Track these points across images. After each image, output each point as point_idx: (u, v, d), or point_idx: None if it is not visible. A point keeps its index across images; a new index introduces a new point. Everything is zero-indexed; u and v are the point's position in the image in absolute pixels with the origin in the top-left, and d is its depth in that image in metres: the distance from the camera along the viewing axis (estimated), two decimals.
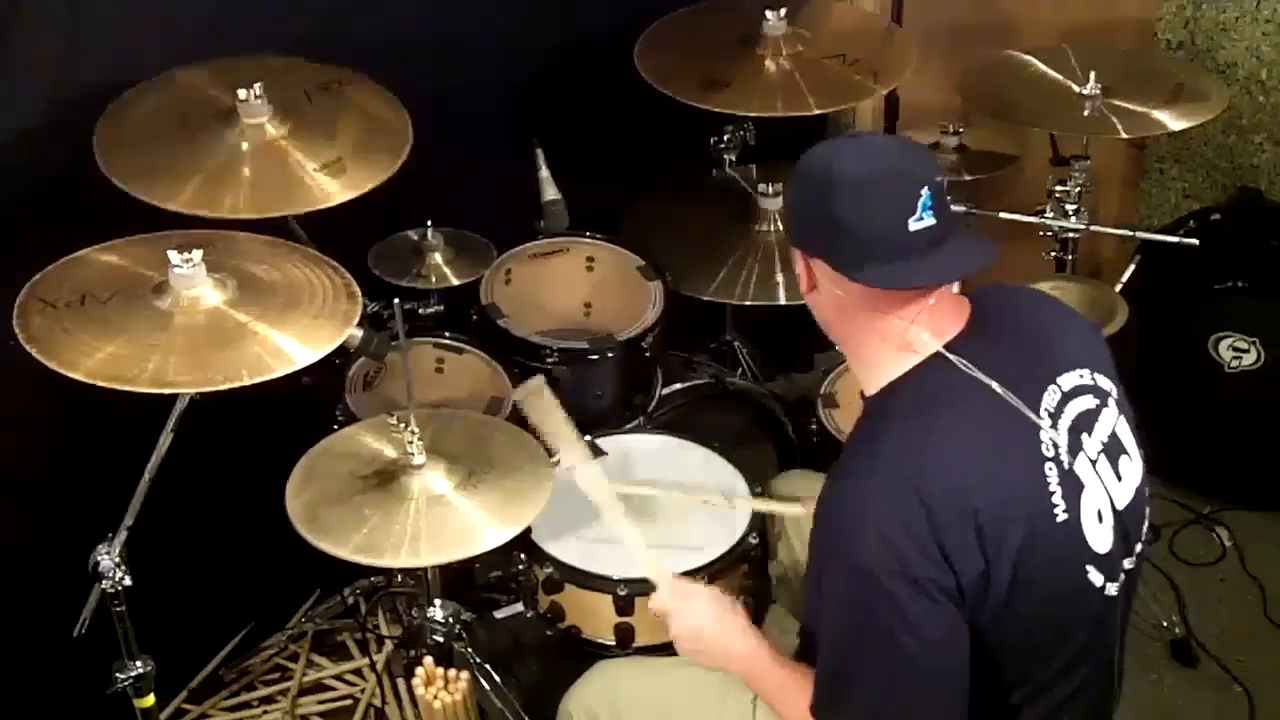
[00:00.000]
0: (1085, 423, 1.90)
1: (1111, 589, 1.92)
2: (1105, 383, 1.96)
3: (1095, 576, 1.88)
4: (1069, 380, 1.91)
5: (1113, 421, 1.95)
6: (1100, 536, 1.89)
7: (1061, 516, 1.84)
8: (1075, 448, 1.87)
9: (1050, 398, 1.88)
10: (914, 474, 1.79)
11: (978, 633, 1.83)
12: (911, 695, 1.83)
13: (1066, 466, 1.86)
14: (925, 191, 1.82)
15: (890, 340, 1.89)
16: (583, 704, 2.31)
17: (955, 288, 1.93)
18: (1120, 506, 1.93)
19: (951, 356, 1.85)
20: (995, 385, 1.82)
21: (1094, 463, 1.90)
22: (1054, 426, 1.86)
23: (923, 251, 1.83)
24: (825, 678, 1.90)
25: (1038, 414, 1.85)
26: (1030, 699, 1.93)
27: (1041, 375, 1.89)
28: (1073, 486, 1.86)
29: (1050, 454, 1.85)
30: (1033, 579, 1.81)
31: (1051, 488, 1.84)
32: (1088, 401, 1.92)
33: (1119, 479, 1.94)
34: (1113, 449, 1.94)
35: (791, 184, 1.96)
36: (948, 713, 1.84)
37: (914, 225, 1.81)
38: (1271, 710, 3.02)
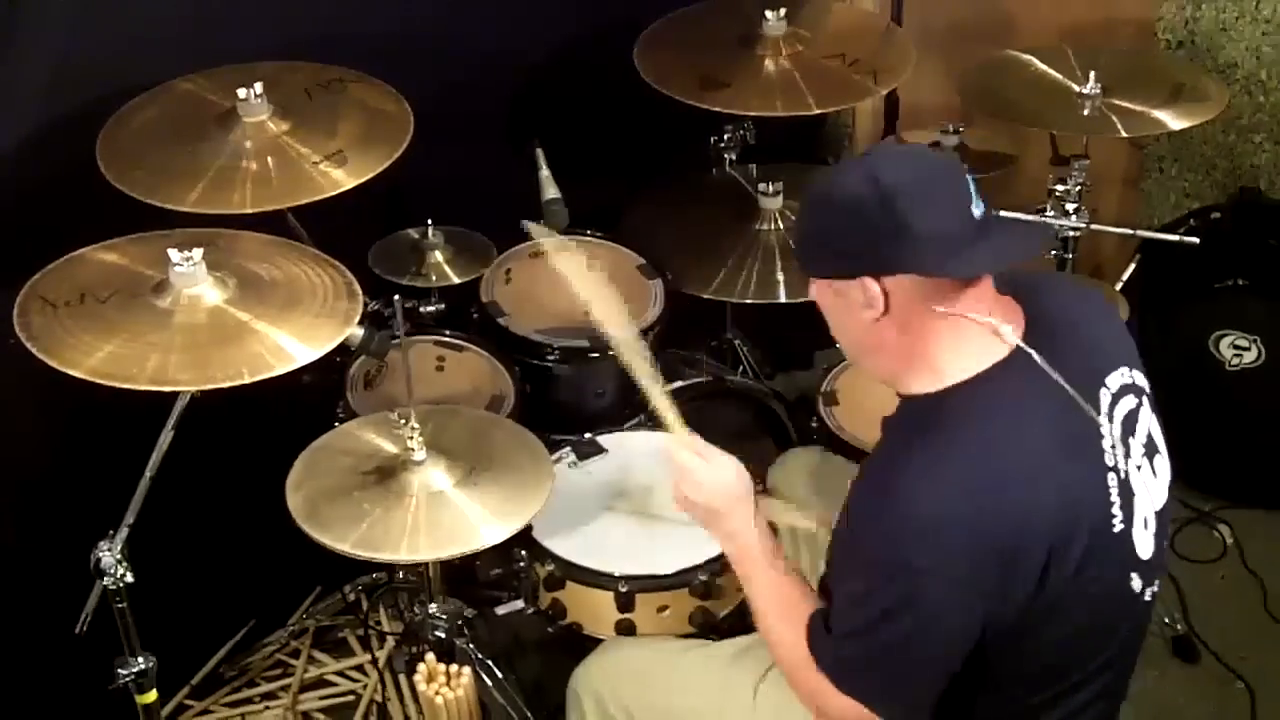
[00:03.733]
0: (1130, 425, 1.89)
1: (1148, 594, 1.92)
2: (1141, 379, 1.94)
3: (1136, 583, 1.88)
4: (1116, 380, 1.89)
5: (1149, 420, 1.93)
6: (1145, 543, 1.88)
7: (1119, 527, 1.83)
8: (1126, 453, 1.85)
9: (1104, 400, 1.86)
10: (972, 478, 1.75)
11: (1019, 634, 1.82)
12: (893, 673, 1.85)
13: (1123, 475, 1.84)
14: (970, 179, 1.82)
15: (962, 343, 1.83)
16: (589, 684, 2.33)
17: None
18: (1158, 508, 1.92)
19: (1034, 355, 1.80)
20: (1070, 389, 1.79)
21: (1139, 468, 1.88)
22: (1112, 434, 1.84)
23: (988, 236, 1.81)
24: (834, 626, 1.90)
25: (1101, 423, 1.83)
26: (1061, 698, 1.94)
27: (1095, 376, 1.86)
28: (1128, 494, 1.84)
29: (1111, 463, 1.83)
30: (1084, 588, 1.81)
31: (1112, 498, 1.82)
32: (1130, 401, 1.90)
33: (1155, 477, 1.92)
34: (1150, 449, 1.92)
35: (834, 212, 1.84)
36: (917, 693, 1.86)
37: (976, 212, 1.80)
38: (1273, 707, 3.02)
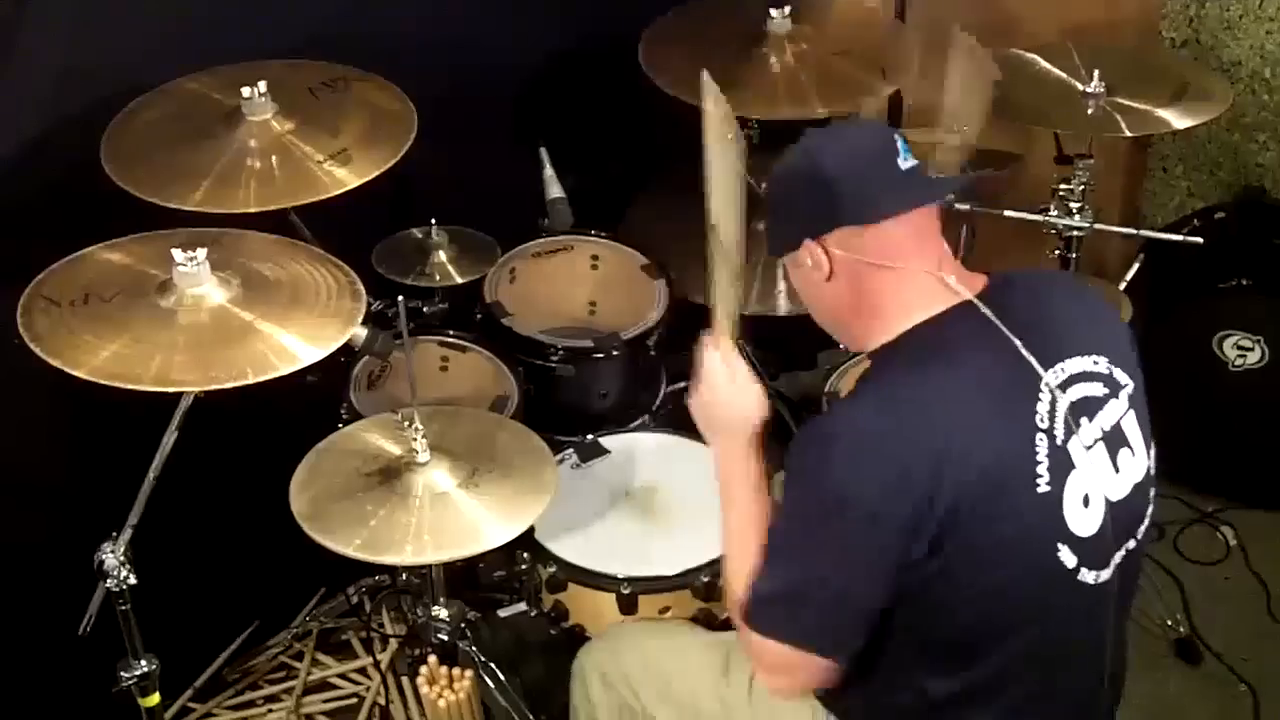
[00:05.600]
0: (1087, 408, 1.91)
1: (1089, 576, 1.91)
2: (1121, 376, 1.97)
3: (1067, 557, 1.88)
4: (1078, 364, 1.92)
5: (1119, 413, 1.95)
6: (1082, 520, 1.88)
7: (1043, 488, 1.85)
8: (1070, 429, 1.88)
9: (1054, 376, 1.88)
10: (905, 413, 1.83)
11: (937, 598, 1.85)
12: (820, 606, 1.88)
13: (1058, 443, 1.86)
14: (898, 137, 1.92)
15: (910, 295, 1.92)
16: (594, 660, 2.36)
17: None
18: (1114, 498, 1.92)
19: (980, 305, 1.89)
20: (1013, 337, 1.86)
21: (1088, 448, 1.90)
22: (1053, 402, 1.87)
23: (915, 185, 1.92)
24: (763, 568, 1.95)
25: (1040, 387, 1.87)
26: (998, 684, 1.93)
27: (1049, 353, 1.90)
28: (1060, 463, 1.86)
29: (1044, 425, 1.86)
30: (999, 542, 1.83)
31: (1039, 458, 1.84)
32: (1094, 388, 1.93)
33: (1116, 470, 1.94)
34: (1114, 440, 1.94)
35: (778, 191, 2.03)
36: (844, 627, 1.89)
37: (904, 164, 1.91)
38: (1276, 709, 3.02)
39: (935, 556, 1.82)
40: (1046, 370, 1.88)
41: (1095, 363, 1.94)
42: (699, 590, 2.51)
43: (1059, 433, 1.87)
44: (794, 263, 2.00)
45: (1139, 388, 1.99)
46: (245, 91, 2.50)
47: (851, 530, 1.84)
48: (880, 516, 1.81)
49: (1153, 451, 2.01)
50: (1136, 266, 3.34)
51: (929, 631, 1.89)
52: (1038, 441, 1.85)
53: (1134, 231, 3.16)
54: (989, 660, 1.92)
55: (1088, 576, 1.91)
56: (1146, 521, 2.01)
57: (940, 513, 1.80)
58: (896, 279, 1.92)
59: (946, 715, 1.96)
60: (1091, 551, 1.90)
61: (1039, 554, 1.87)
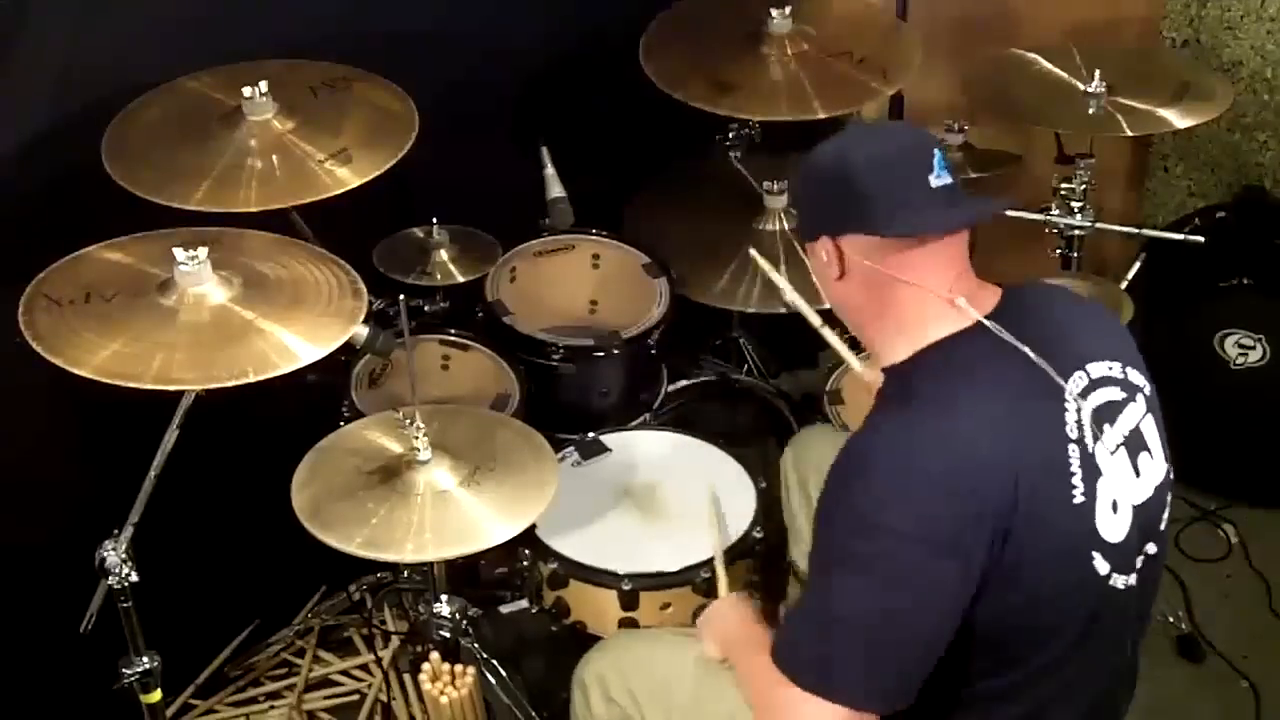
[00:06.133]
0: (1108, 413, 1.91)
1: (1118, 581, 1.91)
2: (1137, 378, 1.97)
3: (1100, 564, 1.88)
4: (1097, 369, 1.92)
5: (1138, 417, 1.95)
6: (1112, 526, 1.89)
7: (1079, 499, 1.84)
8: (1095, 435, 1.88)
9: (1076, 383, 1.89)
10: (939, 436, 1.81)
11: (974, 608, 1.83)
12: (871, 644, 1.83)
13: (1089, 451, 1.86)
14: (936, 152, 1.90)
15: (926, 311, 1.91)
16: (595, 671, 2.34)
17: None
18: (1136, 502, 1.93)
19: (991, 325, 1.87)
20: (1031, 354, 1.85)
21: (1113, 453, 1.90)
22: (1079, 411, 1.87)
23: (949, 205, 1.90)
24: (792, 622, 1.93)
25: (1064, 396, 1.87)
26: (1023, 686, 1.93)
27: (1069, 361, 1.89)
28: (1091, 471, 1.86)
29: (1075, 435, 1.86)
30: (1040, 557, 1.82)
31: (1073, 469, 1.84)
32: (1114, 393, 1.93)
33: (1137, 474, 1.94)
34: (1134, 444, 1.94)
35: (805, 179, 1.99)
36: (900, 665, 1.84)
37: (935, 182, 1.88)
38: (1277, 706, 3.02)
39: (984, 575, 1.80)
40: (1067, 380, 1.87)
41: (1110, 368, 1.94)
42: (699, 586, 2.52)
43: (1088, 441, 1.86)
44: (811, 253, 2.01)
45: (1153, 390, 2.00)
46: (246, 91, 2.50)
47: (903, 558, 1.79)
48: (929, 541, 1.78)
49: (1168, 454, 2.01)
50: (1137, 266, 3.34)
51: (972, 642, 1.87)
52: (1070, 453, 1.85)
53: (1135, 231, 3.16)
54: (1026, 665, 1.92)
55: (1118, 582, 1.91)
56: (1164, 525, 2.01)
57: (986, 533, 1.78)
58: (909, 294, 1.91)
59: (973, 712, 1.96)
60: (1120, 557, 1.90)
61: (1076, 563, 1.87)
